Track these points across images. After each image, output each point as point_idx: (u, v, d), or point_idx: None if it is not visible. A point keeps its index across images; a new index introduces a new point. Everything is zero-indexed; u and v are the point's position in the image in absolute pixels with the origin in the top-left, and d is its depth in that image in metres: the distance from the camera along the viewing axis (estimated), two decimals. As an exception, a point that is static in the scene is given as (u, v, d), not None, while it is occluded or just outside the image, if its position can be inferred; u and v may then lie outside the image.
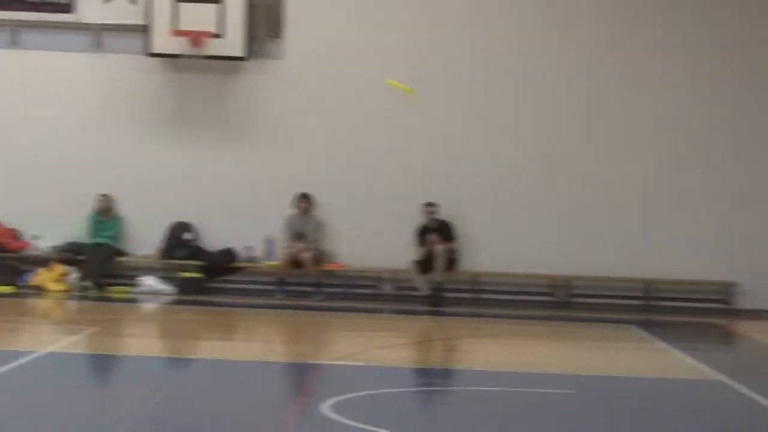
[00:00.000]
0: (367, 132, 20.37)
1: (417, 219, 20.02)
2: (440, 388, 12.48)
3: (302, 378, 12.70)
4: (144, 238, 20.27)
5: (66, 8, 20.34)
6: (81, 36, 20.31)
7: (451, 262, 20.00)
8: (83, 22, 20.26)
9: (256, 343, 15.62)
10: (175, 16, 19.79)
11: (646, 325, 18.07)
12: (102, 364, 13.33)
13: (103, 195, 20.17)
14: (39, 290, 19.48)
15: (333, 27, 20.39)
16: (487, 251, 20.15)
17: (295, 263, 19.85)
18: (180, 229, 20.33)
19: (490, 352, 15.13)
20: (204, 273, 20.05)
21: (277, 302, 19.49)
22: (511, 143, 20.39)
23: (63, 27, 20.33)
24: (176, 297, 19.61)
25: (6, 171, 20.19)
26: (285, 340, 16.45)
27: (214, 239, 20.30)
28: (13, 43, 20.36)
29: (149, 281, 19.86)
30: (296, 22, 20.35)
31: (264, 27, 20.29)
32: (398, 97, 20.22)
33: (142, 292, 19.70)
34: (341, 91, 20.36)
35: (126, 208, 20.32)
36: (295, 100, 20.40)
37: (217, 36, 19.82)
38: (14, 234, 20.22)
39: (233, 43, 19.90)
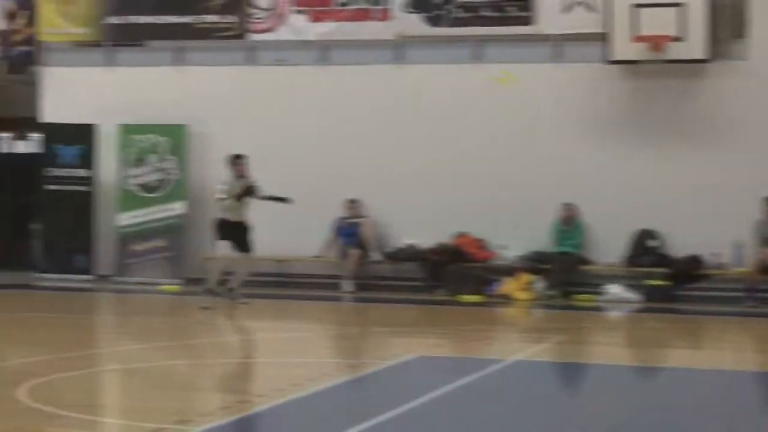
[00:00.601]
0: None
1: None
2: None
3: (776, 389, 12.23)
4: (607, 246, 20.20)
5: (526, 20, 20.64)
6: (541, 47, 20.54)
7: None
8: (544, 33, 20.49)
9: (725, 351, 15.18)
10: (634, 21, 19.61)
11: None
12: (569, 373, 13.35)
13: (568, 204, 20.27)
14: (506, 299, 19.82)
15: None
16: None
17: (767, 269, 19.17)
18: (645, 236, 20.12)
19: None
20: (670, 280, 19.73)
21: (748, 310, 18.87)
22: None
23: (524, 39, 20.64)
24: (642, 305, 19.41)
25: (472, 181, 20.67)
26: (756, 348, 15.88)
27: (680, 246, 19.93)
28: (476, 58, 20.86)
29: (615, 289, 19.77)
30: (762, 20, 19.64)
31: (727, 27, 19.75)
32: None
33: (607, 300, 19.65)
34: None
35: (589, 216, 20.32)
36: (762, 102, 19.70)
37: (677, 39, 19.47)
38: (481, 244, 20.71)
39: (695, 45, 19.47)
